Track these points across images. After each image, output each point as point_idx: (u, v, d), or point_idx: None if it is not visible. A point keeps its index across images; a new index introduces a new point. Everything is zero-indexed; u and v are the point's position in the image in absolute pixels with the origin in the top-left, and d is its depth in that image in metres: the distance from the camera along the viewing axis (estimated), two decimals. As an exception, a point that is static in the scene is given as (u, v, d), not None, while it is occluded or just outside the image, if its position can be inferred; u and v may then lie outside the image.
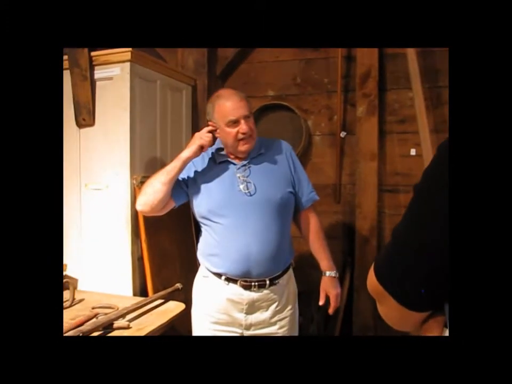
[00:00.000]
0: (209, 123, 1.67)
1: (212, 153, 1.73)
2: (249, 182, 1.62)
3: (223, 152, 1.70)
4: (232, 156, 1.68)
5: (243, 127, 1.59)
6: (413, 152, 2.50)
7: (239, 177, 1.63)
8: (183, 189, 1.68)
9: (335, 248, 2.62)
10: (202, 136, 1.64)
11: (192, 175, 1.69)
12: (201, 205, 1.65)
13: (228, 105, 1.60)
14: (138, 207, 1.66)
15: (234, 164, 1.67)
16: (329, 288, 1.74)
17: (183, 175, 1.69)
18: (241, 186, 1.61)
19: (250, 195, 1.60)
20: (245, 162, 1.66)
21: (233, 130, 1.60)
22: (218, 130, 1.65)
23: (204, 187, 1.65)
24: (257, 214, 1.59)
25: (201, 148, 1.64)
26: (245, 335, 1.67)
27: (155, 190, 1.61)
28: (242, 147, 1.62)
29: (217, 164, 1.68)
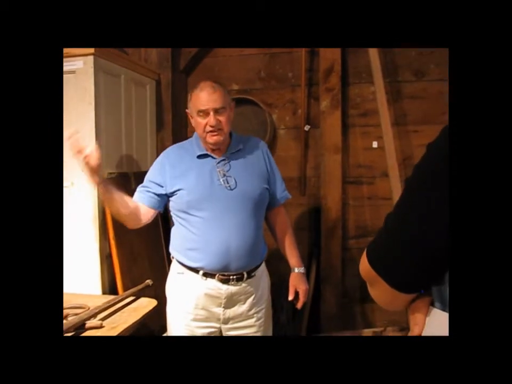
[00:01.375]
0: (186, 111, 1.71)
1: (190, 146, 1.73)
2: (229, 177, 1.63)
3: (202, 146, 1.70)
4: (210, 150, 1.68)
5: (211, 119, 1.59)
6: (375, 144, 2.57)
7: (219, 171, 1.63)
8: (159, 194, 1.67)
9: (301, 239, 2.67)
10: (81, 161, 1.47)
11: (168, 174, 1.67)
12: (180, 198, 1.64)
13: (200, 96, 1.61)
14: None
15: (213, 158, 1.67)
16: (299, 284, 1.77)
17: (157, 179, 1.68)
18: (221, 180, 1.62)
19: (231, 189, 1.61)
20: (224, 157, 1.67)
21: (202, 121, 1.61)
22: (192, 120, 1.67)
23: (182, 181, 1.64)
24: (236, 208, 1.61)
25: (91, 169, 1.47)
26: (222, 329, 1.68)
27: (114, 214, 1.68)
28: (211, 139, 1.62)
29: (196, 157, 1.68)
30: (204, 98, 1.60)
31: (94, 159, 1.46)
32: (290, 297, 1.76)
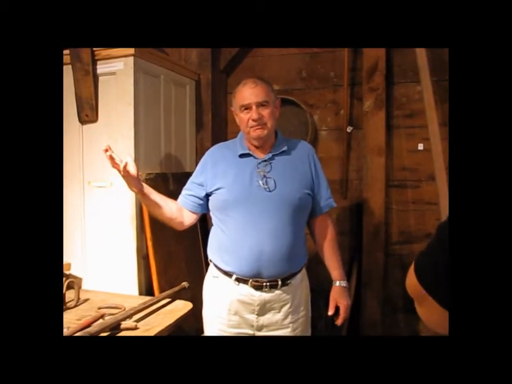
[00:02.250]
0: (231, 109, 1.68)
1: (233, 145, 1.69)
2: (269, 178, 1.57)
3: (245, 145, 1.66)
4: (253, 149, 1.64)
5: (253, 113, 1.56)
6: (420, 146, 2.46)
7: (259, 172, 1.58)
8: (201, 196, 1.66)
9: (343, 244, 2.59)
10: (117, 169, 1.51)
11: (209, 173, 1.65)
12: (218, 197, 1.60)
13: (242, 91, 1.59)
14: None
15: (255, 158, 1.62)
16: (340, 299, 1.67)
17: (198, 180, 1.67)
18: (261, 182, 1.56)
19: (269, 191, 1.55)
20: (266, 157, 1.62)
21: (245, 116, 1.58)
22: (237, 118, 1.64)
23: (222, 179, 1.60)
24: (273, 211, 1.54)
25: (130, 180, 1.52)
26: (256, 335, 1.62)
27: (158, 218, 1.68)
28: (254, 133, 1.58)
29: (238, 156, 1.63)
30: (246, 92, 1.58)
31: (131, 170, 1.50)
32: (330, 312, 1.66)
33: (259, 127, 1.57)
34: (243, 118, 1.59)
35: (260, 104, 1.57)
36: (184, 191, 1.71)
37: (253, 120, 1.56)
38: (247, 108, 1.57)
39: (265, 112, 1.57)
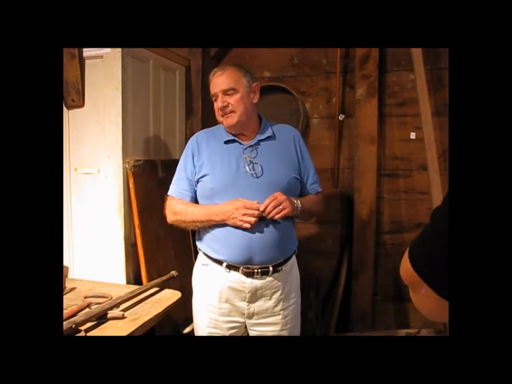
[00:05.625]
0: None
1: (218, 131, 1.66)
2: (256, 163, 1.55)
3: (229, 131, 1.63)
4: (239, 135, 1.61)
5: (219, 102, 1.56)
6: (412, 135, 2.45)
7: (245, 157, 1.56)
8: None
9: (333, 233, 2.58)
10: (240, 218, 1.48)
11: (198, 160, 1.61)
12: (204, 185, 1.58)
13: (211, 80, 1.59)
14: (169, 221, 1.67)
15: (241, 144, 1.60)
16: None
17: (191, 169, 1.62)
18: (247, 167, 1.54)
19: (257, 177, 1.54)
20: (252, 143, 1.60)
21: (215, 106, 1.58)
22: None
23: (208, 166, 1.58)
24: (262, 197, 1.51)
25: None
26: (247, 323, 1.62)
27: (187, 225, 1.64)
28: (225, 122, 1.58)
29: (224, 143, 1.61)
30: (213, 81, 1.58)
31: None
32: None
33: (227, 115, 1.56)
34: (215, 106, 1.58)
35: (226, 92, 1.55)
36: (182, 189, 1.63)
37: (219, 108, 1.56)
38: (215, 97, 1.57)
39: (232, 99, 1.55)
